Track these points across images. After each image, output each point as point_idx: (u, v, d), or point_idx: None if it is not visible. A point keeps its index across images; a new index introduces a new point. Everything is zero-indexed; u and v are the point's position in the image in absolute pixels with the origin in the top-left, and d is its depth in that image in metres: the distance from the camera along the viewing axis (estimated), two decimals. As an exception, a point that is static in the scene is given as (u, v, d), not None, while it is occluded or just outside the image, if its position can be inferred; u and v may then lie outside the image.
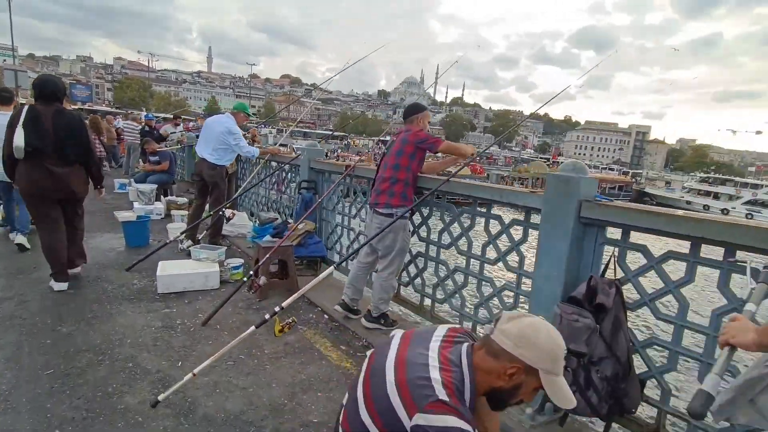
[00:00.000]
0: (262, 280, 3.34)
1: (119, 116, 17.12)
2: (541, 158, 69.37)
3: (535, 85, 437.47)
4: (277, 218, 5.10)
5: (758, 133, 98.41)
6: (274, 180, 5.75)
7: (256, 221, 5.02)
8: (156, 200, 6.73)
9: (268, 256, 3.38)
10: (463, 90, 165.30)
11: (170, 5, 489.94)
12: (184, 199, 6.77)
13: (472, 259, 2.87)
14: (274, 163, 5.55)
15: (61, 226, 3.41)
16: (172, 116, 11.09)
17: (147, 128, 9.59)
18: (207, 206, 5.00)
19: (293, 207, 5.15)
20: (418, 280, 3.33)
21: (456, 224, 2.99)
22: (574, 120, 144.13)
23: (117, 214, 4.87)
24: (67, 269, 3.46)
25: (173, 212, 6.11)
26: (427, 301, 3.23)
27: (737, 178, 41.91)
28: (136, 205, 6.35)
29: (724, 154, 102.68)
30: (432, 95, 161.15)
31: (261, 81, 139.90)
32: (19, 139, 3.06)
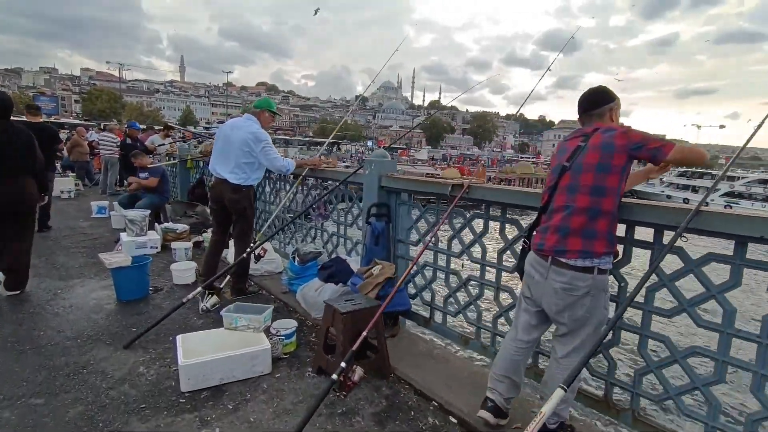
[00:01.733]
0: (358, 373, 2.07)
1: (92, 128, 15.45)
2: (522, 158, 69.97)
3: (508, 87, 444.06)
4: (321, 252, 3.87)
5: (722, 127, 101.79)
6: (306, 195, 4.48)
7: (294, 258, 3.78)
8: (149, 228, 5.37)
9: (368, 330, 2.09)
10: (440, 93, 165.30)
11: (138, 15, 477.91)
12: (184, 226, 5.42)
13: (735, 339, 1.72)
14: (311, 180, 4.25)
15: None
16: (162, 127, 9.55)
17: (129, 140, 8.07)
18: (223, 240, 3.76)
19: (339, 236, 3.92)
20: (598, 359, 2.17)
21: (692, 277, 1.82)
22: (548, 120, 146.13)
23: (103, 258, 3.55)
24: None
25: (173, 245, 4.79)
26: (622, 396, 2.07)
27: (714, 171, 42.31)
28: (123, 236, 4.96)
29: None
30: (410, 99, 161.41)
31: (236, 89, 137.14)
32: None
